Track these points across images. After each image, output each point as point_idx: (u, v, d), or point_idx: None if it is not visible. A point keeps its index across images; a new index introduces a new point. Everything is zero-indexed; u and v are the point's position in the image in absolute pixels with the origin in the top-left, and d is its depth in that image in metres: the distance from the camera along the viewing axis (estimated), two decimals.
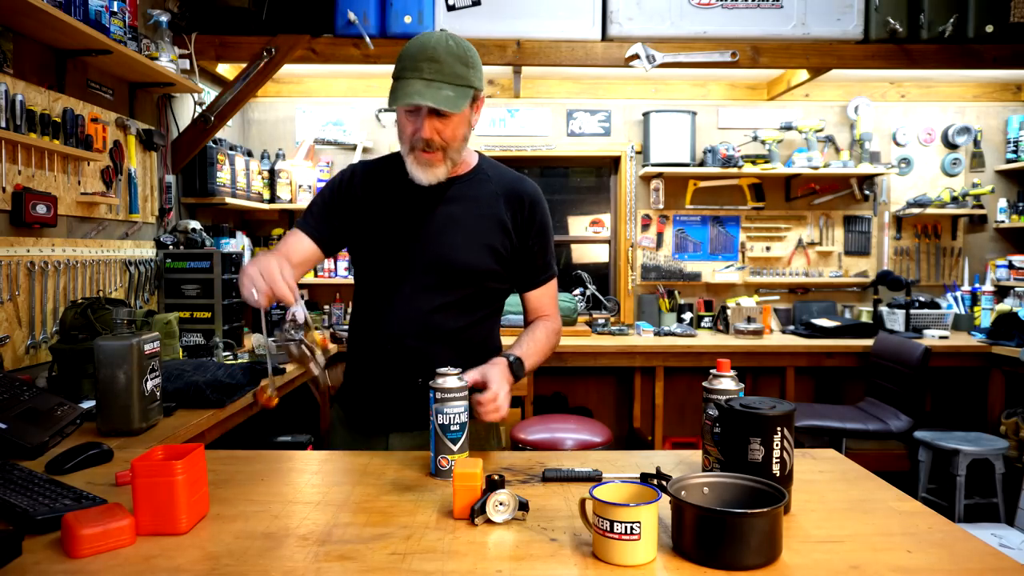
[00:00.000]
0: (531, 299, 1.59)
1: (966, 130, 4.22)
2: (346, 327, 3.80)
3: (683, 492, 0.97)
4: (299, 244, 1.51)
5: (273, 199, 4.03)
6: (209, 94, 3.37)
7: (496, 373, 1.35)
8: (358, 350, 1.58)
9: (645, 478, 1.10)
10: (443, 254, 1.46)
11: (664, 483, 1.03)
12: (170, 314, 2.57)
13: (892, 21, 3.34)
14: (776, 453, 1.05)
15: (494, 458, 1.36)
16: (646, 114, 4.10)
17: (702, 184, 4.21)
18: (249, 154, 3.84)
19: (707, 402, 1.19)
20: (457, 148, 1.43)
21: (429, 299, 1.46)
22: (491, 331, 1.58)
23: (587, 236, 4.44)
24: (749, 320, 3.89)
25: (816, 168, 4.04)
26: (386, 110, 4.19)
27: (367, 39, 3.23)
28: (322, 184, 4.08)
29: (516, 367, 1.42)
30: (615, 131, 4.24)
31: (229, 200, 3.48)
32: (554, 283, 1.61)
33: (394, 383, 1.48)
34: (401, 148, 1.45)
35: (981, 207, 4.21)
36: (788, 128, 4.16)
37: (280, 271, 1.25)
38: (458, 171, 1.50)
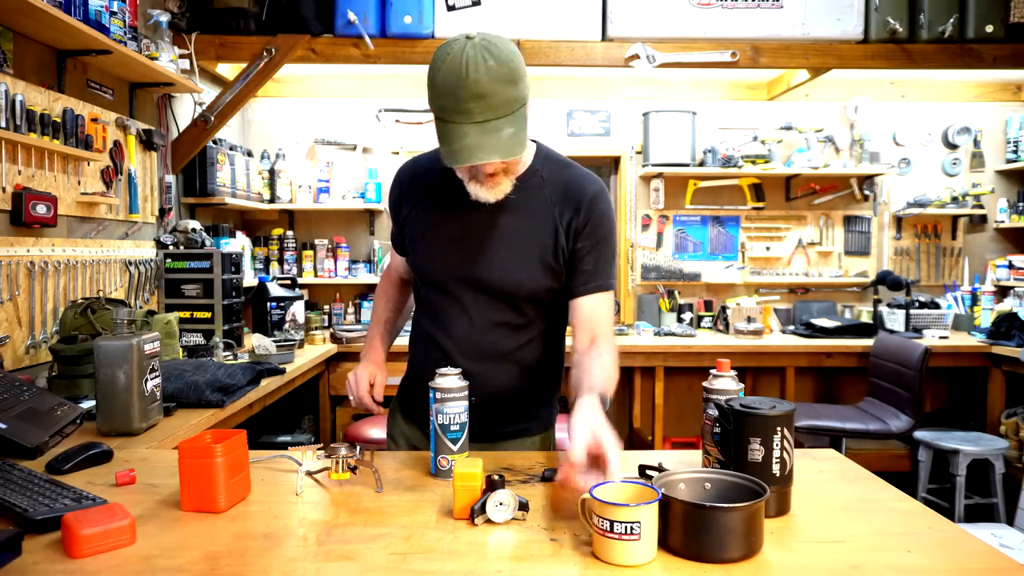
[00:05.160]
0: (576, 311, 1.38)
1: (966, 130, 4.22)
2: (346, 327, 3.81)
3: (665, 488, 0.98)
4: (396, 260, 1.60)
5: (273, 199, 4.03)
6: (209, 94, 3.37)
7: (608, 434, 1.06)
8: (415, 358, 1.54)
9: (643, 469, 1.15)
10: (492, 273, 1.36)
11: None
12: (170, 314, 2.57)
13: (892, 21, 3.34)
14: (776, 453, 1.05)
15: (494, 458, 1.36)
16: (646, 114, 4.10)
17: (702, 184, 4.21)
18: (249, 154, 3.84)
19: (707, 402, 1.19)
20: (518, 163, 1.33)
21: (480, 318, 1.39)
22: (550, 347, 1.46)
23: None
24: (749, 320, 3.89)
25: (816, 168, 4.04)
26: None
27: (367, 39, 3.23)
28: (324, 184, 4.10)
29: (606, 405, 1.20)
30: (615, 131, 4.24)
31: (229, 200, 3.48)
32: (605, 298, 1.38)
33: None
34: (458, 174, 1.32)
35: (981, 207, 4.21)
36: (788, 128, 4.16)
37: (367, 385, 1.49)
38: None
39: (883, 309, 4.00)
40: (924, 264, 4.31)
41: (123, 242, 2.76)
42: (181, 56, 3.04)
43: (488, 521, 1.03)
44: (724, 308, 4.02)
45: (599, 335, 1.36)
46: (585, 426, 1.06)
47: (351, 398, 1.49)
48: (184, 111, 3.32)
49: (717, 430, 1.14)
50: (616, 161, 4.32)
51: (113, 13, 2.44)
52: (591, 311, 1.37)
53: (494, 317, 1.39)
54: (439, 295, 1.43)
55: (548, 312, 1.43)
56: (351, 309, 4.16)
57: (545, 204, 1.37)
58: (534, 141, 1.42)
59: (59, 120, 2.31)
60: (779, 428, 1.05)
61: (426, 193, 1.43)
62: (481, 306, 1.39)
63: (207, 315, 2.98)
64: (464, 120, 1.17)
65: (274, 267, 4.07)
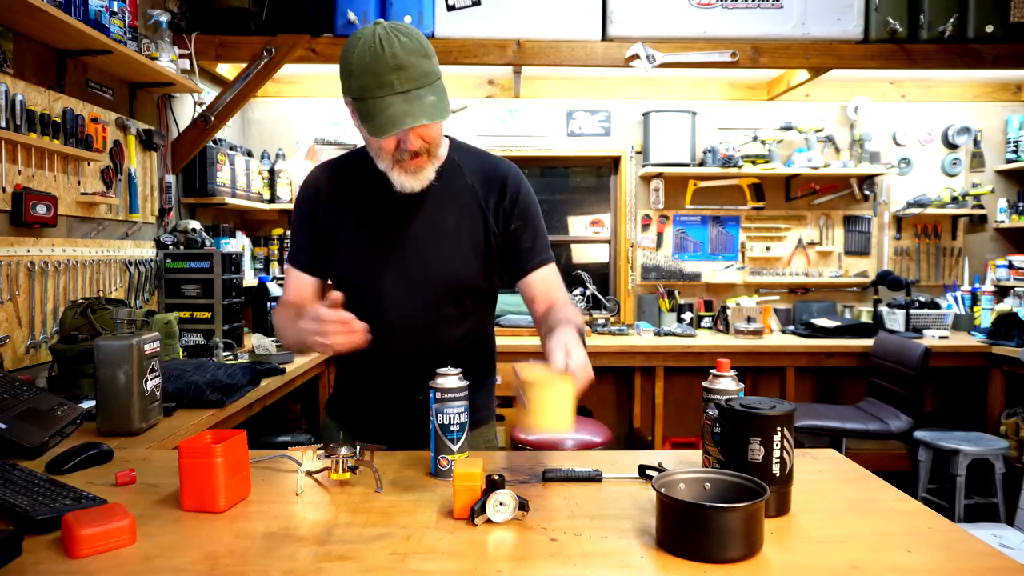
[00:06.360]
0: (529, 287, 1.41)
1: (966, 130, 4.22)
2: None
3: (665, 488, 0.97)
4: (300, 284, 1.45)
5: (273, 199, 4.03)
6: (209, 94, 3.37)
7: (578, 348, 1.17)
8: (350, 365, 1.50)
9: (643, 469, 1.20)
10: (431, 267, 1.37)
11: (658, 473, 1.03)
12: (170, 314, 2.57)
13: (892, 21, 3.34)
14: (776, 453, 1.05)
15: (494, 458, 1.35)
16: (646, 114, 4.10)
17: (702, 184, 4.21)
18: (249, 154, 3.84)
19: (707, 402, 1.19)
20: (439, 144, 1.33)
21: (423, 314, 1.38)
22: (486, 328, 1.52)
23: (587, 236, 4.44)
24: (749, 320, 3.89)
25: (816, 168, 4.04)
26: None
27: None
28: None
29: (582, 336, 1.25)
30: (615, 131, 4.24)
31: (229, 200, 3.48)
32: (553, 269, 1.44)
33: (393, 402, 1.43)
34: (381, 163, 1.32)
35: (981, 207, 4.21)
36: (788, 128, 4.16)
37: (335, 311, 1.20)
38: None
39: (883, 309, 4.00)
40: (924, 264, 4.31)
41: (123, 242, 2.76)
42: (181, 56, 3.04)
43: (488, 521, 1.03)
44: (724, 308, 4.02)
45: (557, 299, 1.41)
46: (561, 345, 1.15)
47: (325, 340, 1.18)
48: (184, 111, 3.32)
49: (717, 430, 1.14)
50: (616, 161, 4.32)
51: (113, 13, 2.44)
52: (544, 282, 1.42)
53: (433, 311, 1.39)
54: (372, 297, 1.38)
55: (484, 300, 1.46)
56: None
57: (467, 189, 1.39)
58: (447, 136, 1.43)
59: (59, 120, 2.31)
60: (779, 428, 1.05)
61: (346, 196, 1.40)
62: (418, 301, 1.38)
63: (207, 315, 2.98)
64: (386, 92, 1.19)
65: (274, 267, 4.07)
